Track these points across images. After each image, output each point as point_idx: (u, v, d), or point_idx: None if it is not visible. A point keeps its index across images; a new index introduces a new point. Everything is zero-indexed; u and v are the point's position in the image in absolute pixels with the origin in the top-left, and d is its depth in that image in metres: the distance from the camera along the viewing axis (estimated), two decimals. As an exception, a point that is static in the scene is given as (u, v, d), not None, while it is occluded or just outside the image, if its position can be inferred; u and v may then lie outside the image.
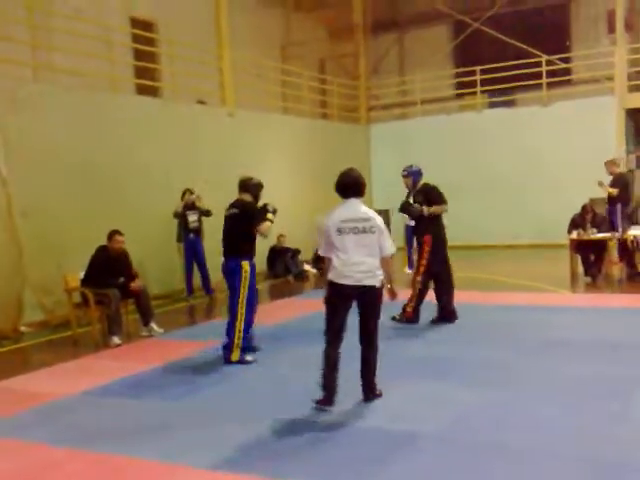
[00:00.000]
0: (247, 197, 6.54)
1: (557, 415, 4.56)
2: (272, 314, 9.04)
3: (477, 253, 14.64)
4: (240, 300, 6.31)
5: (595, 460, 3.80)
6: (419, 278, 7.48)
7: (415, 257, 12.45)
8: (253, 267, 6.44)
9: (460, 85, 17.86)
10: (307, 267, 12.86)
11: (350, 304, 4.90)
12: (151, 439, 4.53)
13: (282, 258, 12.80)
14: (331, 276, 4.89)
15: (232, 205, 6.54)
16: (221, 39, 13.05)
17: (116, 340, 7.53)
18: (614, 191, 10.90)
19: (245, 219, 6.37)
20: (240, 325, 6.31)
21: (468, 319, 7.73)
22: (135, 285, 7.90)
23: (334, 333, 4.89)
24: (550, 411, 4.64)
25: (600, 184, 10.93)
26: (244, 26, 15.02)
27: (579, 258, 10.81)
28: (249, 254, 6.43)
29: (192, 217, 10.63)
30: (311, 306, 7.88)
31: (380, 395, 5.04)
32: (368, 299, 4.88)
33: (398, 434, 4.35)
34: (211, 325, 8.69)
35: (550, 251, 13.82)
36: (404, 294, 6.84)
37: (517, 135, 15.78)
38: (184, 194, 10.60)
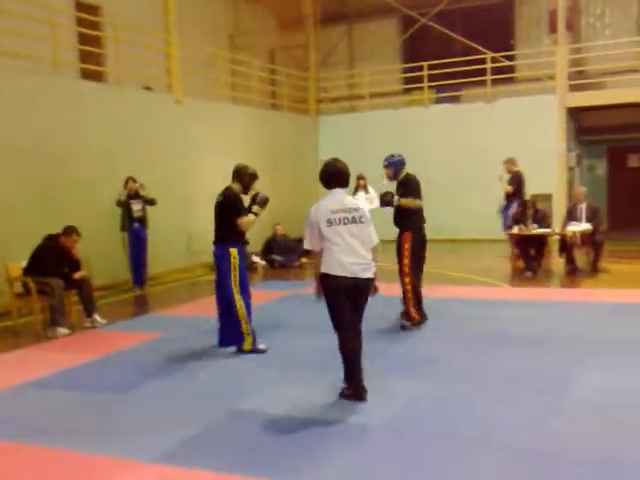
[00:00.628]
0: (236, 186, 6.41)
1: (496, 407, 4.69)
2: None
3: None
4: (233, 287, 6.22)
5: (531, 451, 3.94)
6: (407, 279, 6.97)
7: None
8: (241, 255, 6.34)
9: (408, 80, 18.05)
10: (256, 259, 12.82)
11: (348, 294, 4.74)
12: (93, 432, 4.47)
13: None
14: (324, 268, 4.74)
15: (221, 192, 6.46)
16: (168, 24, 12.84)
17: (62, 330, 7.38)
18: (509, 188, 11.91)
19: (227, 209, 6.31)
20: (242, 312, 6.22)
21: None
22: (78, 275, 7.75)
23: (346, 328, 4.76)
24: (489, 404, 4.77)
25: (500, 178, 11.78)
26: (192, 13, 14.84)
27: (520, 253, 11.11)
28: (237, 241, 6.34)
29: (136, 206, 10.41)
30: (260, 298, 7.88)
31: (365, 391, 4.82)
32: (363, 292, 4.79)
33: (346, 426, 4.41)
34: (155, 317, 8.59)
35: (492, 246, 14.15)
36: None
37: (462, 131, 16.06)
38: (127, 182, 10.38)
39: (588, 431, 4.22)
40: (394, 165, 7.11)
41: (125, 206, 10.36)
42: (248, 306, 6.33)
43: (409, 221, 7.00)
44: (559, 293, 9.60)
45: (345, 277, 4.69)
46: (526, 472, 3.67)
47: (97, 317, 7.84)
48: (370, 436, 4.25)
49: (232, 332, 6.34)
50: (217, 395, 5.16)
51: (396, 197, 6.98)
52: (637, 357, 5.83)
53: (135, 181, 10.39)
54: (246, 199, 6.48)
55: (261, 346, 6.32)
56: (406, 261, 6.97)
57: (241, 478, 3.70)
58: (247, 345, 6.28)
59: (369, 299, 4.89)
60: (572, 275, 10.59)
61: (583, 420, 4.42)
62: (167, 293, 10.49)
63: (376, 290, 5.02)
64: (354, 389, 4.80)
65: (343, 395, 4.86)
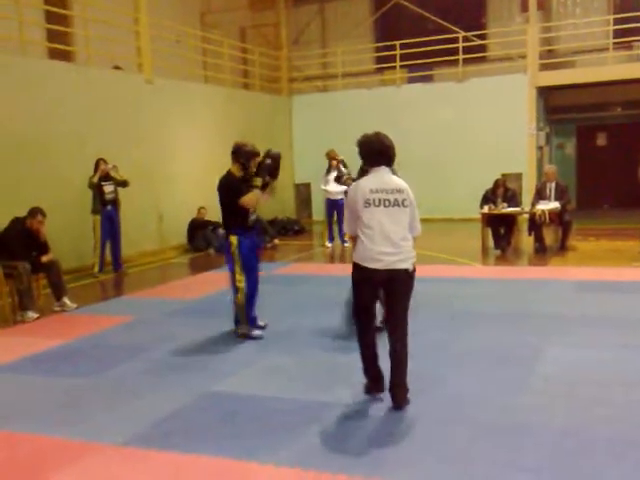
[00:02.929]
0: (235, 168, 6.10)
1: (463, 384, 4.79)
2: (192, 288, 9.00)
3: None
4: (236, 273, 6.10)
5: (498, 425, 4.03)
6: None
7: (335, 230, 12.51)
8: (248, 240, 6.13)
9: (380, 59, 18.01)
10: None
11: (380, 288, 4.38)
12: (63, 417, 4.48)
13: (202, 231, 12.69)
14: (356, 258, 4.29)
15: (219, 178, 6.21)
16: (138, 2, 12.62)
17: (31, 314, 7.32)
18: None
19: (226, 193, 6.08)
20: (241, 299, 6.14)
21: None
22: (46, 258, 7.68)
23: (363, 316, 4.42)
24: (457, 380, 4.87)
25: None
26: (162, -9, 14.60)
27: (490, 232, 11.24)
28: (239, 228, 6.07)
29: (108, 188, 10.25)
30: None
31: (408, 402, 4.35)
32: (399, 284, 4.31)
33: (312, 405, 4.47)
34: (126, 300, 8.57)
35: (462, 225, 14.29)
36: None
37: (434, 110, 16.10)
38: (97, 164, 10.22)
39: (554, 405, 4.33)
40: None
41: (97, 188, 10.19)
42: (251, 294, 6.21)
43: None
44: (528, 271, 9.75)
45: (378, 269, 4.21)
46: (493, 446, 3.76)
47: (67, 301, 7.79)
48: (338, 414, 4.30)
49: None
50: (189, 377, 5.19)
51: (347, 175, 6.41)
52: (602, 332, 5.97)
53: (106, 162, 10.23)
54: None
55: (255, 332, 6.24)
56: None
57: (213, 459, 3.74)
58: (241, 329, 6.24)
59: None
60: (541, 253, 10.75)
61: (549, 394, 4.53)
62: (138, 276, 10.44)
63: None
64: (371, 384, 4.54)
65: (366, 391, 4.57)
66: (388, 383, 4.42)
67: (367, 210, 4.23)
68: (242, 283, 6.10)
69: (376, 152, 4.39)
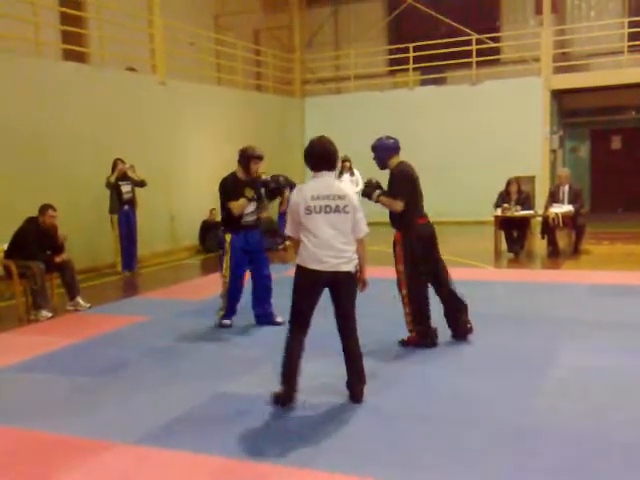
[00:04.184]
0: (239, 169, 6.49)
1: (477, 386, 4.76)
2: (203, 289, 9.01)
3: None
4: (223, 269, 6.56)
5: (512, 428, 4.01)
6: (403, 290, 5.81)
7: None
8: (241, 239, 6.49)
9: (393, 62, 17.99)
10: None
11: (321, 291, 4.39)
12: (76, 415, 4.50)
13: (214, 233, 12.69)
14: (300, 260, 4.36)
15: None
16: (152, 4, 12.69)
17: (45, 314, 7.37)
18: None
19: (220, 193, 6.51)
20: (223, 291, 6.60)
21: (390, 294, 7.87)
22: (59, 258, 7.72)
23: (298, 321, 4.43)
24: (469, 383, 4.85)
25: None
26: (176, -7, 14.66)
27: (503, 234, 11.19)
28: (233, 227, 6.50)
29: (126, 188, 10.36)
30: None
31: (363, 395, 4.47)
32: (343, 286, 4.38)
33: (325, 406, 4.46)
34: (139, 300, 8.60)
35: (475, 228, 14.23)
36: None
37: (447, 113, 16.07)
38: (115, 164, 10.32)
39: (567, 409, 4.30)
40: (375, 150, 5.76)
41: (114, 188, 10.28)
42: (233, 291, 6.59)
43: (400, 219, 5.73)
44: (541, 274, 9.70)
45: (322, 271, 4.28)
46: (506, 449, 3.74)
47: (80, 300, 7.83)
48: (350, 415, 4.30)
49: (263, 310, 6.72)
50: (202, 377, 5.20)
51: (377, 191, 5.78)
52: (615, 336, 5.92)
53: (124, 162, 10.32)
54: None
55: (225, 321, 6.64)
56: (400, 267, 5.78)
57: (224, 459, 3.74)
58: (217, 314, 6.69)
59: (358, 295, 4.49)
60: (554, 257, 10.69)
61: (562, 398, 4.50)
62: (151, 276, 10.48)
63: (364, 284, 4.57)
64: (284, 392, 4.43)
65: (276, 401, 4.46)
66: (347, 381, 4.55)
67: (309, 217, 4.29)
68: (227, 278, 6.55)
69: (318, 157, 4.40)
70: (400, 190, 5.63)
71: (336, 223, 4.30)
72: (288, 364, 4.43)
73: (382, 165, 5.77)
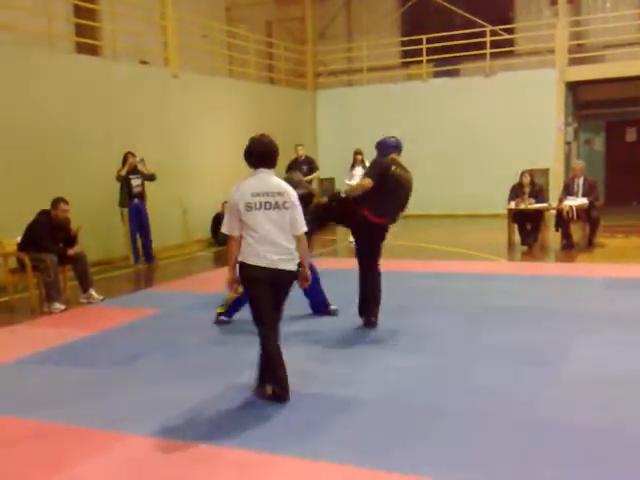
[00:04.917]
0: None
1: (492, 380, 4.73)
2: (214, 282, 9.01)
3: (417, 222, 14.82)
4: None
5: (525, 422, 3.97)
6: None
7: None
8: None
9: (406, 54, 17.89)
10: None
11: (271, 285, 4.37)
12: (88, 407, 4.51)
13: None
14: (241, 257, 4.36)
15: None
16: (165, -3, 12.69)
17: (58, 306, 7.40)
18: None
19: None
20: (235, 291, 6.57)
21: (405, 286, 7.88)
22: (72, 251, 7.75)
23: (261, 319, 4.41)
24: (485, 376, 4.82)
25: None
26: (188, -15, 14.64)
27: (516, 227, 11.12)
28: None
29: (136, 181, 10.40)
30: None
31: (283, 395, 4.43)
32: (284, 284, 4.43)
33: (337, 399, 4.45)
34: (151, 293, 8.63)
35: (489, 220, 14.15)
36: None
37: (460, 105, 15.97)
38: (125, 157, 10.35)
39: (582, 402, 4.27)
40: (378, 148, 6.22)
41: (125, 181, 10.32)
42: None
43: (356, 203, 6.04)
44: (555, 267, 9.63)
45: (263, 267, 4.30)
46: (519, 442, 3.71)
47: (93, 293, 7.86)
48: (362, 408, 4.28)
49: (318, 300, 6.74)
50: (214, 369, 5.21)
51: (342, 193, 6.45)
52: (630, 330, 5.86)
53: (135, 156, 10.35)
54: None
55: (224, 318, 6.58)
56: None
57: (238, 450, 3.74)
58: (219, 309, 6.63)
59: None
60: (568, 250, 10.60)
61: (577, 392, 4.46)
62: (163, 269, 10.51)
63: (307, 279, 4.61)
64: (276, 389, 4.40)
65: (261, 396, 4.44)
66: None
67: (249, 214, 4.31)
68: None
69: (257, 155, 4.45)
70: (370, 173, 6.02)
71: (276, 219, 4.35)
72: (270, 363, 4.41)
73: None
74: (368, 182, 5.88)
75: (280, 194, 4.37)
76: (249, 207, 4.31)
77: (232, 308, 6.54)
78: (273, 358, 4.40)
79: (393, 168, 5.99)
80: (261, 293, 4.37)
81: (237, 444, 3.82)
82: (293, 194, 4.44)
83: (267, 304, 4.39)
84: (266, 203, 4.33)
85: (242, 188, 4.38)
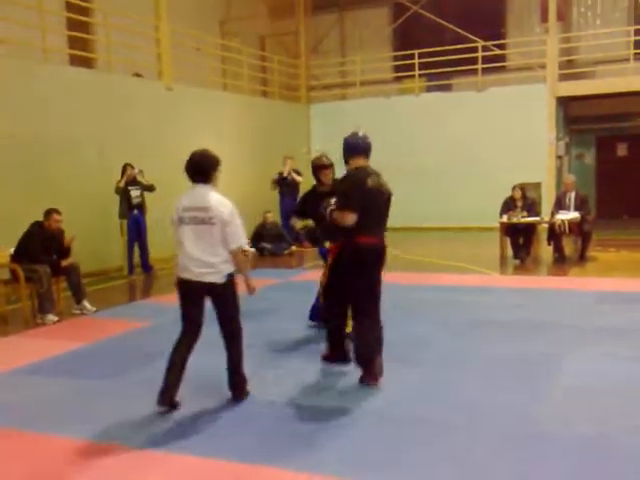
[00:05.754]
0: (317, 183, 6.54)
1: (482, 393, 4.74)
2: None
3: (409, 235, 14.86)
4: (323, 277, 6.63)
5: (516, 435, 3.99)
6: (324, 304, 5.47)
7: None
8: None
9: (399, 68, 18.03)
10: (246, 247, 12.81)
11: (200, 298, 4.51)
12: (80, 418, 4.50)
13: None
14: (176, 271, 4.55)
15: None
16: (159, 10, 12.75)
17: (51, 317, 7.38)
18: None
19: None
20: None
21: (398, 299, 7.88)
22: (66, 262, 7.74)
23: (185, 327, 4.60)
24: (475, 389, 4.83)
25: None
26: (183, -1, 14.73)
27: (509, 241, 11.17)
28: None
29: (135, 192, 10.42)
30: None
31: (247, 394, 4.67)
32: (214, 296, 4.52)
33: (331, 411, 4.45)
34: (145, 304, 8.60)
35: (481, 234, 14.21)
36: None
37: (452, 120, 16.07)
38: (124, 169, 10.37)
39: (573, 415, 4.28)
40: (343, 150, 5.04)
41: (124, 193, 10.32)
42: None
43: (340, 231, 4.93)
44: (547, 281, 9.67)
45: (191, 280, 4.43)
46: (510, 456, 3.72)
47: (86, 304, 7.85)
48: (355, 421, 4.29)
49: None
50: (205, 381, 5.19)
51: (330, 208, 5.06)
52: (621, 344, 5.89)
53: (133, 167, 10.38)
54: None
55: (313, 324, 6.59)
56: (323, 279, 5.45)
57: (231, 463, 3.73)
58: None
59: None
60: (560, 263, 10.66)
61: (568, 404, 4.48)
62: (158, 280, 10.49)
63: (253, 290, 4.61)
64: (164, 389, 4.50)
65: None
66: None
67: (180, 228, 4.45)
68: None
69: (192, 169, 4.52)
70: (348, 201, 4.78)
71: (202, 234, 4.40)
72: (170, 363, 4.54)
73: (345, 163, 5.07)
74: (350, 218, 4.73)
75: (205, 209, 4.39)
76: (180, 221, 4.45)
77: (314, 314, 6.56)
78: (173, 361, 4.54)
79: (369, 182, 4.82)
80: (187, 303, 4.55)
81: (231, 456, 3.81)
82: (223, 210, 4.36)
83: (194, 315, 4.54)
84: (194, 218, 4.41)
85: (178, 202, 4.51)
